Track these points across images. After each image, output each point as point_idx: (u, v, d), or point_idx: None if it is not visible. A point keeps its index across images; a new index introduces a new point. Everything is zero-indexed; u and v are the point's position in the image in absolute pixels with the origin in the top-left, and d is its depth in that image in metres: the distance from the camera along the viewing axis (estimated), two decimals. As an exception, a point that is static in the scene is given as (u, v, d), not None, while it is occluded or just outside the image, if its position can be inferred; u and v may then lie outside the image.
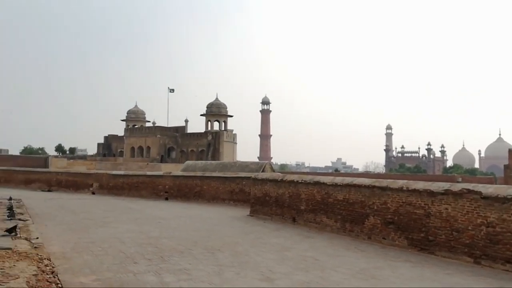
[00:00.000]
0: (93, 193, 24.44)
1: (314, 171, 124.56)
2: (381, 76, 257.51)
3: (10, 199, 15.46)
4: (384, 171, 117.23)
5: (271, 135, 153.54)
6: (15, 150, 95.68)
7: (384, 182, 10.04)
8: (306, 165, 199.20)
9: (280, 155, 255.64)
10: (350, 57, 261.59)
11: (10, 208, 12.27)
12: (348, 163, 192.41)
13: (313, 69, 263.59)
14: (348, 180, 11.10)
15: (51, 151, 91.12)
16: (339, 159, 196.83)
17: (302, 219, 12.36)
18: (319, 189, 11.85)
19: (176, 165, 49.86)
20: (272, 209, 13.73)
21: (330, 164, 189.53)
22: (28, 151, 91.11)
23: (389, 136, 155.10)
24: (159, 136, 67.51)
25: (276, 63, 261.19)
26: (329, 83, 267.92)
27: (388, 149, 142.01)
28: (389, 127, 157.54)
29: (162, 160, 66.38)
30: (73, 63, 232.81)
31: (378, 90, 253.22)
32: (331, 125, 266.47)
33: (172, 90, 75.24)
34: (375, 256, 8.60)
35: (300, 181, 12.59)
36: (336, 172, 73.80)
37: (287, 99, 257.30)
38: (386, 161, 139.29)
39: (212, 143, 65.71)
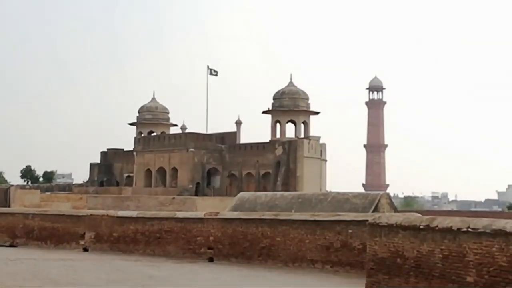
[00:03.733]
0: (86, 250, 24.71)
1: (466, 209, 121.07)
2: None
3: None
4: None
5: (386, 146, 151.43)
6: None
7: None
8: (451, 198, 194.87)
9: (402, 180, 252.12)
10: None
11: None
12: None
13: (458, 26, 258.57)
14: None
15: (14, 178, 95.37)
16: (511, 187, 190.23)
17: (470, 301, 11.71)
18: (504, 245, 11.19)
19: (222, 199, 50.04)
20: (409, 280, 13.20)
21: (494, 197, 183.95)
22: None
23: None
24: (192, 150, 68.44)
25: (391, 20, 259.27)
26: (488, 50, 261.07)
27: None
28: None
29: (198, 190, 67.17)
30: (43, 36, 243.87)
31: None
32: (498, 128, 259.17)
33: (214, 72, 76.03)
34: None
35: (464, 230, 11.98)
36: (511, 210, 70.76)
37: (417, 80, 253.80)
38: None
39: (283, 160, 65.58)
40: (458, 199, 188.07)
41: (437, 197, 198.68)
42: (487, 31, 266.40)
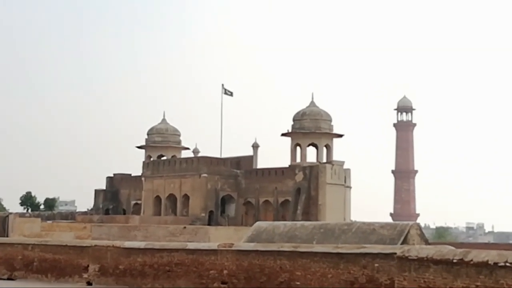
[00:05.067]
0: (89, 283, 24.78)
1: (504, 241, 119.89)
2: None
3: None
4: None
5: (416, 172, 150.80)
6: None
7: None
8: (488, 229, 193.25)
9: (433, 209, 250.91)
10: None
11: None
12: None
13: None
14: None
15: (13, 206, 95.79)
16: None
17: None
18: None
19: (237, 229, 50.06)
20: (441, 320, 13.11)
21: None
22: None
23: None
24: (205, 175, 68.52)
25: (422, 35, 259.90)
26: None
27: None
28: None
29: (211, 219, 67.16)
30: (46, 53, 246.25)
31: None
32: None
33: (229, 92, 76.28)
34: None
35: (502, 264, 11.96)
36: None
37: (449, 101, 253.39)
38: None
39: (304, 187, 65.49)
40: (496, 230, 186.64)
41: (472, 228, 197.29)
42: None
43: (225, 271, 21.42)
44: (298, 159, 69.64)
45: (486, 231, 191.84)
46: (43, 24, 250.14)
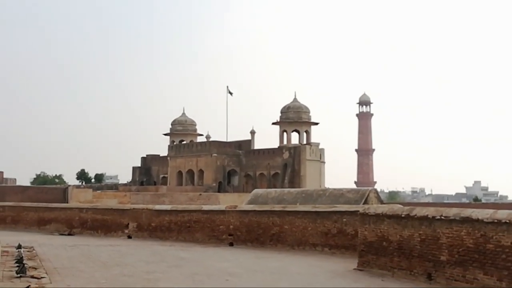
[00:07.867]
0: (129, 237, 24.78)
1: (440, 201, 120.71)
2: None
3: (19, 247, 15.89)
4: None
5: (373, 150, 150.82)
6: (24, 179, 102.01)
7: None
8: (427, 192, 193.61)
9: (386, 178, 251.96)
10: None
11: (19, 261, 12.49)
12: (491, 189, 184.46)
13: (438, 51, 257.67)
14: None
15: (71, 180, 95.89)
16: (477, 183, 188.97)
17: (443, 275, 11.72)
18: (470, 230, 11.19)
19: (239, 195, 50.19)
20: (393, 260, 13.20)
21: (463, 190, 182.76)
22: (41, 180, 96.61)
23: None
24: (215, 155, 68.53)
25: (379, 43, 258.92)
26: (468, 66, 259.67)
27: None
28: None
29: (220, 188, 67.25)
30: (95, 61, 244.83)
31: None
32: (465, 133, 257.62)
33: (230, 92, 76.33)
34: None
35: (438, 217, 11.97)
36: (476, 201, 70.72)
37: (398, 96, 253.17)
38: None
39: (289, 163, 65.57)
40: (433, 193, 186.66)
41: (416, 191, 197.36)
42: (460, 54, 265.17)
43: (231, 226, 21.45)
44: (285, 142, 69.74)
45: (427, 193, 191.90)
46: (99, 26, 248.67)
